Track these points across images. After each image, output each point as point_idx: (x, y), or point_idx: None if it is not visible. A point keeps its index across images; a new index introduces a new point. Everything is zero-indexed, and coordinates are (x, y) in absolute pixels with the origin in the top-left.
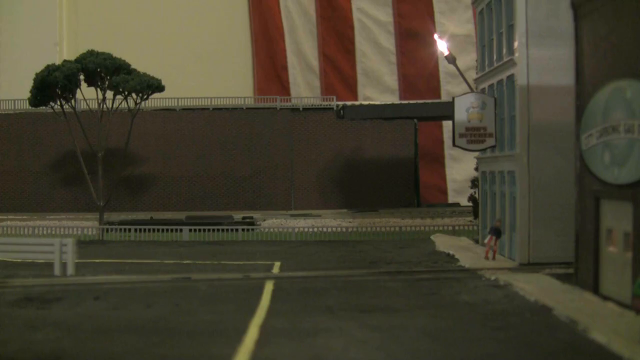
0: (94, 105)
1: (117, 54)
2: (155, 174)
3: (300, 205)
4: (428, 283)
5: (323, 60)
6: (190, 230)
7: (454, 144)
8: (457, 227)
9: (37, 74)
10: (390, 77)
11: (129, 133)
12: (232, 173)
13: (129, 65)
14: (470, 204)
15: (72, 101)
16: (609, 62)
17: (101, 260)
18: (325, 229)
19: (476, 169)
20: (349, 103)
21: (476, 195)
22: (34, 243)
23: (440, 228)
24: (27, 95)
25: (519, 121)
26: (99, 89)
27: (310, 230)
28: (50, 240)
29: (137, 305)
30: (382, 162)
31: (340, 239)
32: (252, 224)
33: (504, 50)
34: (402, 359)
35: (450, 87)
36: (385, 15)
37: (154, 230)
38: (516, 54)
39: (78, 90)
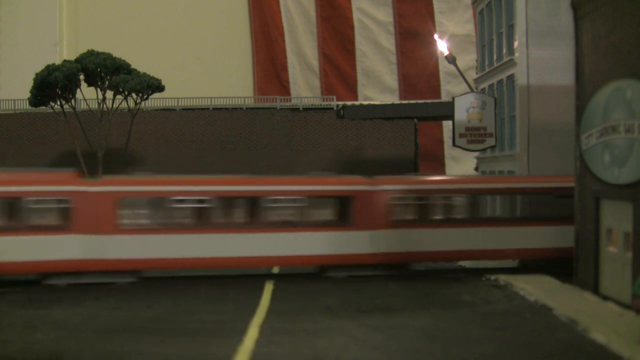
0: (94, 105)
1: (117, 54)
2: (155, 174)
3: None
4: (428, 283)
5: (323, 60)
6: None
7: (454, 144)
8: None
9: (37, 74)
10: (390, 77)
11: (129, 133)
12: (232, 173)
13: (129, 65)
14: None
15: (72, 101)
16: (609, 62)
17: None
18: None
19: (476, 169)
20: (349, 103)
21: None
22: None
23: None
24: (27, 95)
25: (519, 121)
26: (99, 89)
27: None
28: None
29: (137, 305)
30: (382, 162)
31: None
32: None
33: (504, 50)
34: (402, 359)
35: (450, 87)
36: (385, 15)
37: None
38: (516, 54)
39: (78, 90)
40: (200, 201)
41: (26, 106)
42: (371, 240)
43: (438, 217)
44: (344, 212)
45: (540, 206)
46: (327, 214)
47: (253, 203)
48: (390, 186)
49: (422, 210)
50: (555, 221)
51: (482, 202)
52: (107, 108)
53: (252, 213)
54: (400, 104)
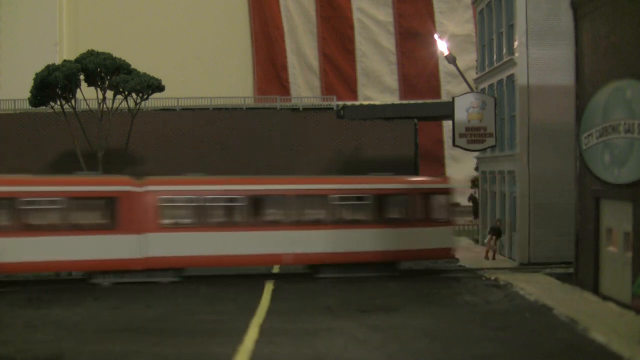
0: (94, 105)
1: (117, 54)
2: (155, 174)
3: None
4: (428, 283)
5: (323, 60)
6: None
7: (454, 144)
8: (456, 227)
9: (37, 74)
10: (390, 77)
11: (129, 133)
12: (232, 173)
13: (129, 65)
14: (470, 203)
15: (72, 101)
16: (609, 62)
17: None
18: None
19: (476, 169)
20: (349, 103)
21: (476, 195)
22: None
23: None
24: (27, 95)
25: (519, 121)
26: (99, 89)
27: None
28: None
29: (137, 305)
30: (382, 162)
31: None
32: None
33: (504, 50)
34: (402, 359)
35: (450, 87)
36: (385, 15)
37: None
38: (516, 54)
39: (78, 90)
40: None
41: (26, 106)
42: (139, 245)
43: (215, 220)
44: (109, 214)
45: (315, 209)
46: (92, 216)
47: (8, 205)
48: (158, 187)
49: (196, 213)
50: (323, 225)
51: (263, 205)
52: (107, 108)
53: (9, 215)
54: (400, 104)
